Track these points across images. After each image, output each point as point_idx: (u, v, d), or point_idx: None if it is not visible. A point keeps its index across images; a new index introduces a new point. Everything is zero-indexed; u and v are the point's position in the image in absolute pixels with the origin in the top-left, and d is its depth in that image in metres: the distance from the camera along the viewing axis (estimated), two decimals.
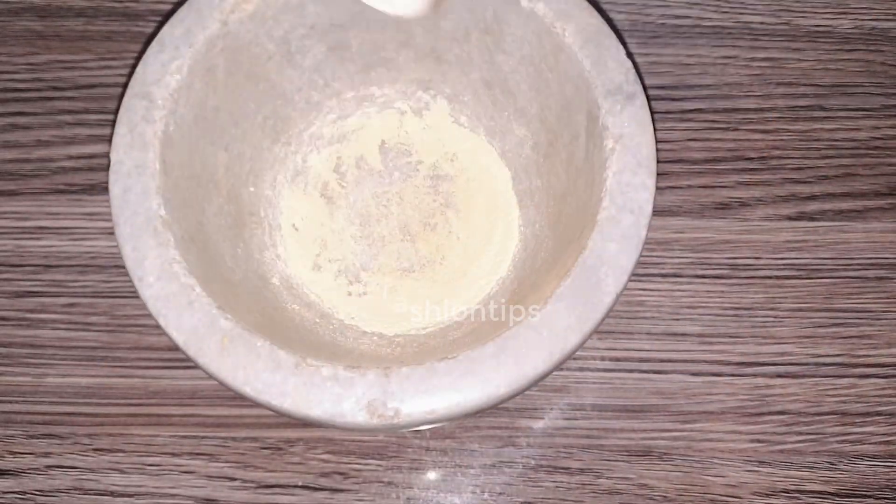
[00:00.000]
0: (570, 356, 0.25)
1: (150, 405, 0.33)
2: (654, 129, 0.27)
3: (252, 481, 0.32)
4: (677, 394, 0.33)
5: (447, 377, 0.23)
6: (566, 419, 0.33)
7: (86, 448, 0.33)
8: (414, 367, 0.24)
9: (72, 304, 0.35)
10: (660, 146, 0.36)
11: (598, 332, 0.34)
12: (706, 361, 0.34)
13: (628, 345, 0.34)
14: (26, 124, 0.37)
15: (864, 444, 0.33)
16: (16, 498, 0.32)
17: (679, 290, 0.35)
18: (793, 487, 0.33)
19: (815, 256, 0.35)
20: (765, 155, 0.37)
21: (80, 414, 0.33)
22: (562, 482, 0.32)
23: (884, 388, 0.34)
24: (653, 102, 0.37)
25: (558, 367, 0.24)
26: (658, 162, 0.26)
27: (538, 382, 0.25)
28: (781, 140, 0.37)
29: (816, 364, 0.34)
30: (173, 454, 0.33)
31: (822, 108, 0.38)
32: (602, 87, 0.27)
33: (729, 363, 0.34)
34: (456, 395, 0.23)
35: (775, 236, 0.36)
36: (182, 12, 0.28)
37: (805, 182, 0.36)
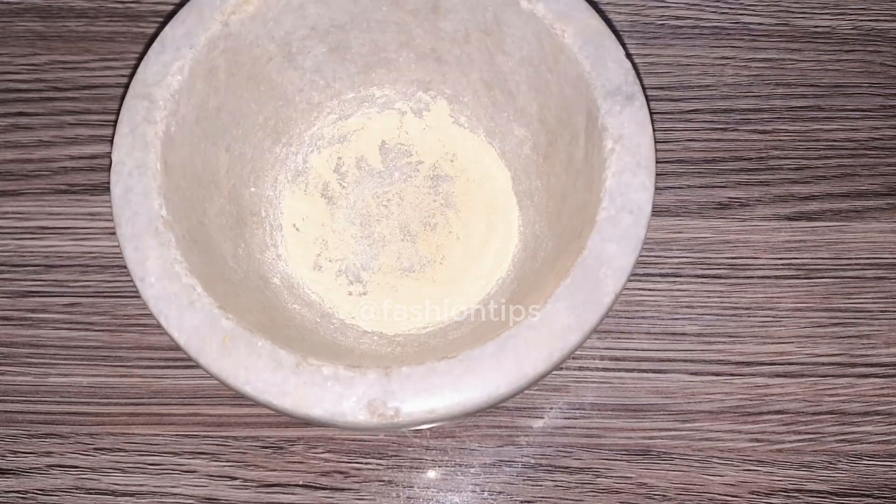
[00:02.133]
0: (570, 356, 0.25)
1: (152, 405, 0.33)
2: (654, 130, 0.27)
3: (253, 480, 0.32)
4: (676, 393, 0.33)
5: (447, 377, 0.23)
6: (566, 418, 0.33)
7: (87, 447, 0.33)
8: (414, 366, 0.24)
9: (73, 304, 0.35)
10: (659, 146, 0.36)
11: (597, 331, 0.34)
12: (705, 361, 0.34)
13: (627, 344, 0.34)
14: (28, 125, 0.38)
15: (863, 443, 0.33)
16: (17, 497, 0.32)
17: (678, 290, 0.35)
18: (792, 487, 0.33)
19: (813, 256, 0.35)
20: (763, 155, 0.37)
21: (81, 413, 0.33)
22: (561, 481, 0.33)
23: (882, 388, 0.34)
24: (652, 103, 0.37)
25: (558, 366, 0.25)
26: (657, 162, 0.27)
27: (538, 382, 0.25)
28: (780, 140, 0.37)
29: (815, 364, 0.34)
30: (174, 453, 0.33)
31: (821, 109, 0.38)
32: (601, 87, 0.27)
33: (728, 363, 0.34)
34: (456, 394, 0.23)
35: (774, 236, 0.36)
36: (183, 13, 0.28)
37: (804, 182, 0.37)
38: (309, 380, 0.23)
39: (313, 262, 0.33)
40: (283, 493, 0.32)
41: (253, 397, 0.24)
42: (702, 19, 0.39)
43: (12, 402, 0.34)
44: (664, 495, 0.32)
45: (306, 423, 0.32)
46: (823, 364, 0.34)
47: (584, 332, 0.24)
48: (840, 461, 0.33)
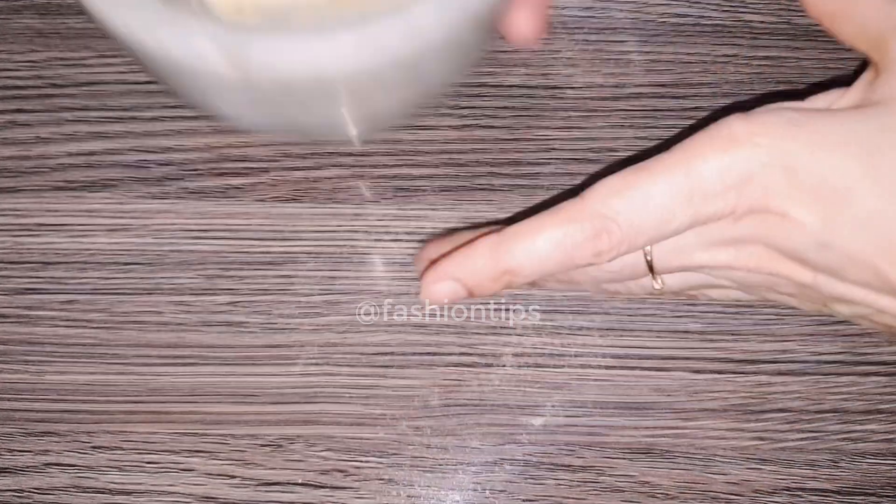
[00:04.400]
0: None
1: (149, 402, 0.33)
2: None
3: (252, 479, 0.32)
4: (679, 391, 0.33)
5: (347, 24, 0.20)
6: (567, 416, 0.33)
7: (84, 446, 0.33)
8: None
9: (71, 301, 0.34)
10: (660, 145, 0.36)
11: (599, 329, 0.34)
12: (708, 359, 0.34)
13: (630, 342, 0.34)
14: (26, 121, 0.37)
15: (866, 441, 0.33)
16: (13, 496, 0.32)
17: None
18: (795, 485, 0.32)
19: None
20: None
21: (78, 411, 0.33)
22: (563, 480, 0.32)
23: (885, 386, 0.34)
24: (653, 100, 0.37)
25: None
26: None
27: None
28: None
29: (818, 362, 0.34)
30: (172, 452, 0.33)
31: None
32: None
33: (730, 360, 0.34)
34: (362, 36, 0.20)
35: None
36: None
37: None
38: (178, 26, 0.21)
39: None
40: (283, 492, 0.32)
41: (124, 37, 0.21)
42: (703, 17, 0.39)
43: (8, 399, 0.33)
44: (666, 494, 0.32)
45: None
46: (826, 362, 0.34)
47: None
48: (843, 460, 0.33)
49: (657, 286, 0.26)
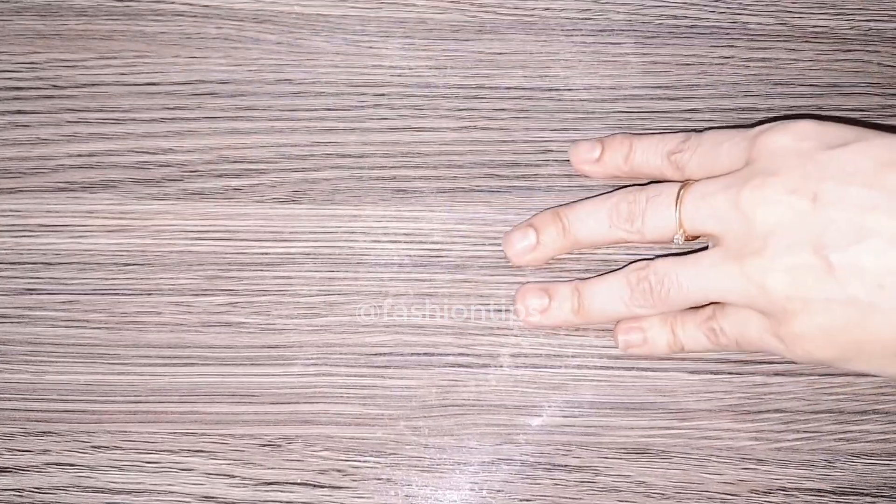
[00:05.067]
0: None
1: (149, 402, 0.33)
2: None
3: (250, 478, 0.32)
4: (675, 391, 0.33)
5: None
6: (564, 416, 0.33)
7: (84, 445, 0.33)
8: None
9: (71, 302, 0.35)
10: None
11: (595, 329, 0.34)
12: (703, 359, 0.34)
13: None
14: (26, 122, 0.38)
15: (861, 442, 0.33)
16: (13, 496, 0.32)
17: None
18: (790, 485, 0.33)
19: None
20: None
21: (78, 411, 0.33)
22: (560, 480, 0.33)
23: (880, 387, 0.34)
24: (651, 102, 0.37)
25: None
26: None
27: None
28: None
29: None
30: (172, 451, 0.33)
31: (820, 109, 0.38)
32: None
33: (727, 361, 0.34)
34: None
35: None
36: None
37: None
38: None
39: None
40: (281, 492, 0.32)
41: None
42: (700, 19, 0.39)
43: (9, 399, 0.33)
44: (662, 494, 0.32)
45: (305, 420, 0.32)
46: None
47: None
48: (838, 460, 0.33)
49: (677, 238, 0.31)
